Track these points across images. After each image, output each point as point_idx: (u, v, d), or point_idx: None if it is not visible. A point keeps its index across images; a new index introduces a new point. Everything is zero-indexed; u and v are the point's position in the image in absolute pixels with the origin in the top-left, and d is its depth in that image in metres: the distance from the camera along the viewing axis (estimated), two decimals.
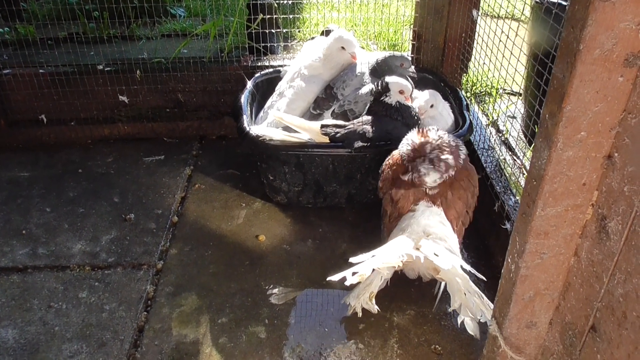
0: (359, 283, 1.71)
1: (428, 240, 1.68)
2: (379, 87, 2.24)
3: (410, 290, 2.00)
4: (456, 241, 1.79)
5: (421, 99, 2.34)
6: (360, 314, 1.84)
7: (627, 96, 0.98)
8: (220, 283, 2.05)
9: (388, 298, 1.92)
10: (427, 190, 1.83)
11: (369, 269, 1.63)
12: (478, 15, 2.53)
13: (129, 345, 1.80)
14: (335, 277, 1.63)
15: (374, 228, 2.23)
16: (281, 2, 2.98)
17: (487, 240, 2.23)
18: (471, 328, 1.72)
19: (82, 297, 1.99)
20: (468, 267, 1.63)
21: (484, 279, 1.65)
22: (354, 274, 1.62)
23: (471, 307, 1.65)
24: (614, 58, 0.93)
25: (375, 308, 1.82)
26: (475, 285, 1.64)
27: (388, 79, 2.22)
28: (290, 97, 2.50)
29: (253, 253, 2.20)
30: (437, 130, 1.88)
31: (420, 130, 1.89)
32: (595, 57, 0.93)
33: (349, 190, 2.37)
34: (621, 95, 0.98)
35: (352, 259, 1.65)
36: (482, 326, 1.70)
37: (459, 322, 1.74)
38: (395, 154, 1.97)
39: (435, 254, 1.61)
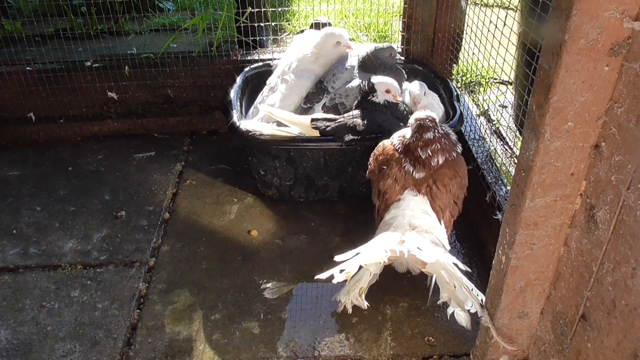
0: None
1: (412, 234, 1.68)
2: (366, 88, 2.24)
3: (403, 283, 2.00)
4: (443, 232, 1.79)
5: (413, 89, 2.33)
6: (350, 311, 1.84)
7: (613, 85, 0.98)
8: (213, 279, 2.05)
9: (381, 291, 1.92)
10: (414, 174, 1.83)
11: (356, 266, 1.63)
12: (467, 5, 2.52)
13: (122, 344, 1.80)
14: (322, 276, 1.63)
15: (366, 221, 2.22)
16: None
17: (479, 230, 2.23)
18: (462, 320, 1.72)
19: (75, 296, 1.98)
20: (452, 260, 1.62)
21: (469, 270, 1.65)
22: (341, 271, 1.62)
23: (459, 299, 1.65)
24: (599, 47, 0.93)
25: (365, 304, 1.82)
26: (464, 277, 1.63)
27: (374, 79, 2.22)
28: (284, 92, 2.48)
29: (245, 248, 2.20)
30: (441, 129, 1.87)
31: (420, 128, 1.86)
32: (580, 47, 0.93)
33: (340, 183, 2.37)
34: (607, 85, 0.98)
35: (337, 257, 1.64)
36: (475, 317, 1.70)
37: (449, 313, 1.75)
38: (383, 144, 1.96)
39: (418, 247, 1.61)
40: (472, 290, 1.61)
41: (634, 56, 0.92)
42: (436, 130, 1.83)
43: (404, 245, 1.63)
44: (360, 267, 1.68)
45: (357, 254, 1.64)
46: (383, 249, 1.61)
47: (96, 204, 2.47)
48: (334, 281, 1.62)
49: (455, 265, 1.64)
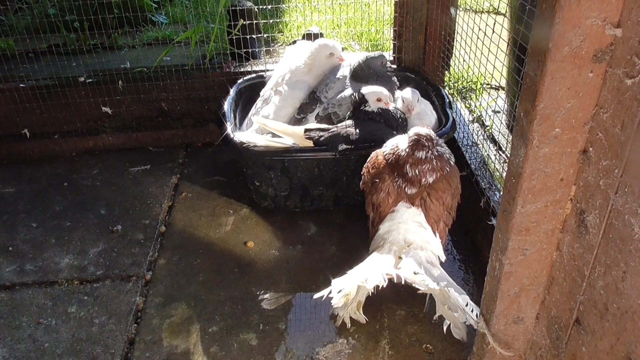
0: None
1: (408, 258, 1.69)
2: (357, 98, 2.25)
3: (400, 291, 1.99)
4: (438, 244, 1.80)
5: (406, 96, 2.34)
6: (349, 325, 1.85)
7: (598, 91, 0.99)
8: (209, 291, 2.05)
9: (378, 299, 1.92)
10: (406, 190, 1.84)
11: (354, 286, 1.66)
12: (456, 13, 2.55)
13: (120, 359, 1.79)
14: (321, 293, 1.67)
15: (362, 229, 2.23)
16: (262, 7, 2.98)
17: (475, 236, 2.24)
18: (458, 333, 1.75)
19: (72, 312, 1.98)
20: (444, 284, 1.63)
21: (464, 293, 1.66)
22: (339, 291, 1.65)
23: (453, 319, 1.69)
24: (583, 54, 0.94)
25: (363, 318, 1.84)
26: (459, 296, 1.64)
27: (364, 90, 2.24)
28: (278, 104, 2.50)
29: (242, 260, 2.20)
30: (435, 145, 1.86)
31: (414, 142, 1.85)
32: (564, 54, 0.94)
33: (335, 192, 2.37)
34: (592, 91, 0.99)
35: (334, 281, 1.68)
36: (470, 326, 1.71)
37: (445, 327, 1.77)
38: (376, 155, 1.97)
39: (415, 272, 1.64)
40: (467, 305, 1.62)
41: (617, 62, 0.93)
42: (430, 151, 1.81)
43: (400, 270, 1.66)
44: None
45: (356, 275, 1.67)
46: (380, 274, 1.64)
47: (92, 218, 2.47)
48: (333, 302, 1.65)
49: (450, 285, 1.66)
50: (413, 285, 1.67)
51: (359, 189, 2.05)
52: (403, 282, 1.66)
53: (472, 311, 1.61)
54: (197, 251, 2.25)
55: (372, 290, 1.78)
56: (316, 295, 1.68)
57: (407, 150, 1.83)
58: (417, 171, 1.81)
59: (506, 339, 1.43)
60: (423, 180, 1.81)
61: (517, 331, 1.41)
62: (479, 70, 2.21)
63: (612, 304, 1.02)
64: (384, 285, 1.64)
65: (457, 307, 1.63)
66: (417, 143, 1.81)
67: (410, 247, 1.75)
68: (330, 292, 1.66)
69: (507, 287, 1.33)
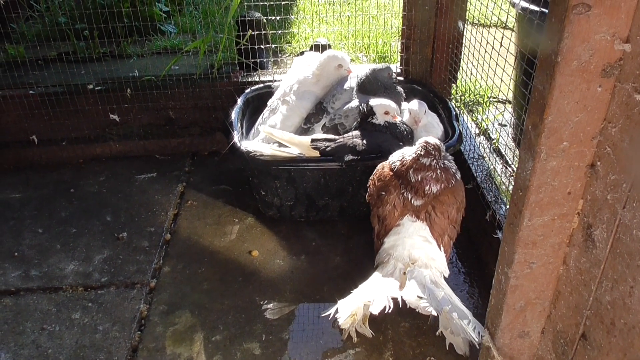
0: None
1: (412, 281, 1.69)
2: (364, 110, 2.26)
3: (404, 303, 1.99)
4: (443, 259, 1.80)
5: (413, 107, 2.35)
6: (355, 339, 1.84)
7: (607, 105, 0.99)
8: (213, 300, 2.05)
9: (382, 311, 1.91)
10: (412, 201, 1.84)
11: (360, 306, 1.68)
12: (464, 26, 2.56)
13: None
14: (329, 311, 1.69)
15: (367, 240, 2.23)
16: (270, 17, 3.00)
17: (480, 249, 2.23)
18: (460, 349, 1.75)
19: (76, 318, 1.98)
20: (447, 308, 1.63)
21: (467, 316, 1.65)
22: (345, 311, 1.67)
23: (455, 340, 1.71)
24: (591, 69, 0.95)
25: (369, 332, 1.83)
26: (459, 319, 1.64)
27: (372, 102, 2.25)
28: (285, 114, 2.51)
29: (246, 269, 2.20)
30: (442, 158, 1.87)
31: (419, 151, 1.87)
32: (573, 68, 0.95)
33: (341, 203, 2.37)
34: (601, 105, 0.99)
35: (339, 302, 1.70)
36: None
37: (447, 344, 1.77)
38: (382, 167, 1.97)
39: (418, 296, 1.64)
40: (468, 323, 1.62)
41: (625, 77, 0.93)
42: (435, 160, 1.82)
43: (404, 294, 1.67)
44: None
45: (361, 295, 1.69)
46: (385, 297, 1.65)
47: (98, 225, 2.47)
48: (340, 323, 1.67)
49: (453, 310, 1.66)
50: (416, 310, 1.67)
51: (365, 199, 2.05)
52: (408, 306, 1.67)
53: (474, 329, 1.60)
54: (202, 259, 2.25)
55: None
56: (323, 314, 1.70)
57: (413, 155, 1.85)
58: (419, 177, 1.81)
59: (511, 353, 1.42)
60: (426, 188, 1.81)
61: (522, 345, 1.41)
62: (486, 83, 2.21)
63: (619, 319, 1.01)
64: (390, 307, 1.64)
65: (460, 331, 1.63)
66: (423, 149, 1.83)
67: (414, 265, 1.75)
68: (336, 312, 1.68)
69: (513, 300, 1.32)
